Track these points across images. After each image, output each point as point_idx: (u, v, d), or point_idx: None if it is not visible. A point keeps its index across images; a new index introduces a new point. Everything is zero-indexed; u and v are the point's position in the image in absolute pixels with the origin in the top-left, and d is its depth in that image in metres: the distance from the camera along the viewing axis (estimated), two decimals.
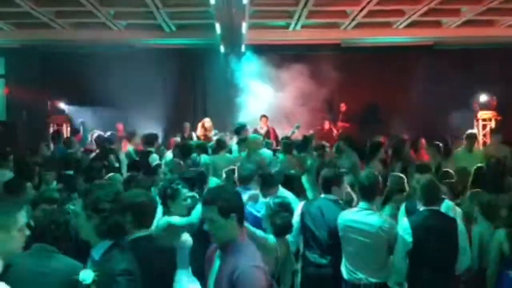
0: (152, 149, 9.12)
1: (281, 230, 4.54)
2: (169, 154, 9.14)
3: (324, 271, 4.86)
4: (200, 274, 3.77)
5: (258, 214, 4.82)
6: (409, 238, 4.56)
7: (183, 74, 14.14)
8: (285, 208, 4.62)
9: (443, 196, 5.32)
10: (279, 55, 13.55)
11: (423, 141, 9.63)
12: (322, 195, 5.17)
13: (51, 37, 13.58)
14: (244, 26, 11.65)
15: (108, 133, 11.48)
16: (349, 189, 5.73)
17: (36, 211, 4.39)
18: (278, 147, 9.60)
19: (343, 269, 4.72)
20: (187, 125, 12.35)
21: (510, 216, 4.89)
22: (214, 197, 3.19)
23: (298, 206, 5.13)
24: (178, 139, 11.48)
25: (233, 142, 10.09)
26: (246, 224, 4.28)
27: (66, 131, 13.42)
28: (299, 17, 12.56)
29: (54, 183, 7.15)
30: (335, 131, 12.76)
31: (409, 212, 5.19)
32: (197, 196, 5.59)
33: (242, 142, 9.12)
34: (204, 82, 14.45)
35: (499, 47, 14.05)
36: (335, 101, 13.95)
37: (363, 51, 14.25)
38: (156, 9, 11.71)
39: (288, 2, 11.79)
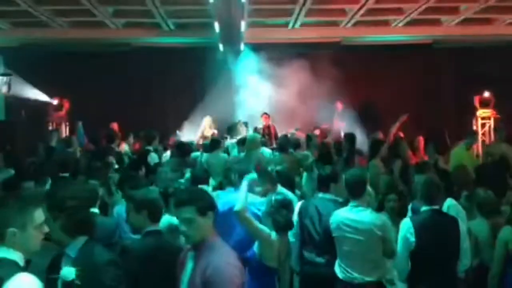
0: (150, 147, 9.11)
1: (282, 227, 4.52)
2: (167, 153, 9.16)
3: (321, 270, 4.85)
4: None
5: (259, 213, 4.81)
6: (412, 238, 4.52)
7: (182, 73, 14.12)
8: (286, 206, 4.60)
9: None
10: (278, 54, 13.53)
11: (421, 140, 9.61)
12: (320, 194, 5.18)
13: (50, 36, 13.58)
14: (243, 24, 11.65)
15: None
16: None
17: None
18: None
19: (337, 269, 4.69)
20: (187, 124, 12.36)
21: None
22: (192, 196, 3.22)
23: (296, 205, 5.11)
24: (178, 138, 11.50)
25: (228, 141, 10.06)
26: (252, 219, 4.34)
27: (65, 130, 13.42)
28: (298, 15, 12.55)
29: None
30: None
31: (415, 212, 5.17)
32: None
33: (241, 143, 9.10)
34: (203, 81, 14.41)
35: (498, 45, 14.03)
36: (334, 99, 13.93)
37: (362, 50, 14.24)
38: (155, 8, 11.71)
39: (287, 0, 11.78)
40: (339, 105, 13.35)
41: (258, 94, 12.80)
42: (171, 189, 4.66)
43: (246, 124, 11.08)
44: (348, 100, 13.49)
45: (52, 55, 13.61)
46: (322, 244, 4.89)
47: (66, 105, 13.56)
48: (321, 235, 4.90)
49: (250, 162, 5.94)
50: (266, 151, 8.83)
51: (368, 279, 4.55)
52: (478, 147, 12.89)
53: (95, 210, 4.92)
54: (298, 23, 13.33)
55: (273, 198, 4.66)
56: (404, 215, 5.23)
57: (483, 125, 13.48)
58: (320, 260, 4.90)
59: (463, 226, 4.75)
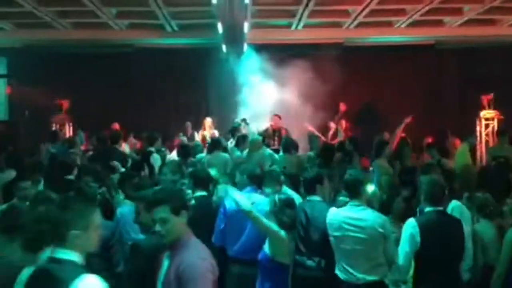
0: (152, 149, 9.12)
1: (288, 226, 4.59)
2: (173, 154, 9.17)
3: (312, 273, 4.86)
4: None
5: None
6: (417, 238, 4.51)
7: (185, 74, 14.13)
8: (290, 205, 4.69)
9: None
10: (281, 55, 13.53)
11: (428, 141, 9.63)
12: (307, 197, 5.22)
13: (53, 37, 13.61)
14: (246, 25, 11.65)
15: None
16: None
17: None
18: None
19: (338, 271, 4.68)
20: (189, 124, 12.36)
21: None
22: (166, 196, 3.28)
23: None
24: (184, 138, 11.50)
25: (229, 142, 10.05)
26: (260, 217, 4.38)
27: (68, 130, 13.44)
28: (301, 16, 12.56)
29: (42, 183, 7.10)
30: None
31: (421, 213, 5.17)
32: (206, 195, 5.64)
33: (241, 140, 9.09)
34: (206, 81, 14.45)
35: (501, 46, 14.02)
36: (337, 100, 13.94)
37: (365, 51, 14.24)
38: (158, 9, 11.72)
39: (290, 1, 11.79)
40: (343, 106, 13.34)
41: (261, 94, 12.79)
42: None
43: (245, 120, 11.02)
44: (351, 101, 13.49)
45: (56, 56, 13.64)
46: (313, 247, 4.90)
47: (65, 105, 13.56)
48: (311, 238, 4.91)
49: (255, 163, 5.96)
50: (268, 152, 8.86)
51: (370, 278, 4.55)
52: (482, 148, 12.90)
53: None
54: (301, 24, 13.34)
55: (276, 198, 4.69)
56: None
57: (486, 126, 13.45)
58: (311, 263, 4.90)
59: (466, 227, 4.76)
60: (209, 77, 14.22)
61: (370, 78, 13.69)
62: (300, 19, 12.86)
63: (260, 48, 13.58)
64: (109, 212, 5.51)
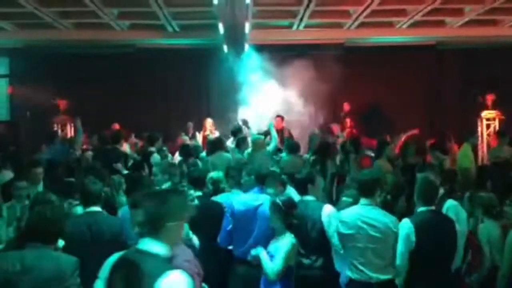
0: (153, 148, 9.13)
1: (296, 225, 4.69)
2: (177, 155, 9.20)
3: (312, 272, 4.91)
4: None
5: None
6: (413, 237, 4.59)
7: (186, 74, 14.15)
8: (293, 205, 4.76)
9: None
10: (282, 55, 13.54)
11: (431, 142, 9.65)
12: (299, 197, 5.27)
13: (54, 38, 13.62)
14: (247, 26, 11.65)
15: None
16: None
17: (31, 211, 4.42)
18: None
19: (349, 270, 4.68)
20: (191, 125, 12.37)
21: None
22: (141, 200, 3.18)
23: None
24: (186, 138, 11.51)
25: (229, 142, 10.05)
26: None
27: (70, 131, 13.45)
28: (302, 17, 12.56)
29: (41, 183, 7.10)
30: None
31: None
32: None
33: (241, 141, 9.11)
34: (208, 82, 14.46)
35: (502, 46, 14.02)
36: (338, 101, 13.95)
37: (366, 51, 14.25)
38: (160, 10, 11.73)
39: (291, 2, 11.79)
40: (346, 106, 13.33)
41: (262, 95, 12.79)
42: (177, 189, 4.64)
43: (246, 123, 11.03)
44: (352, 101, 13.50)
45: (57, 57, 13.66)
46: (310, 247, 4.95)
47: (62, 105, 13.56)
48: (307, 237, 4.94)
49: (261, 163, 5.98)
50: (268, 151, 8.88)
51: (383, 277, 4.56)
52: (483, 148, 12.90)
53: (98, 208, 4.91)
54: (302, 24, 13.34)
55: (278, 201, 4.71)
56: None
57: (487, 126, 13.45)
58: (308, 262, 4.96)
59: (462, 227, 4.89)
60: (210, 77, 14.23)
61: (371, 78, 13.67)
62: (301, 20, 12.87)
63: (261, 48, 13.58)
64: (113, 212, 5.54)
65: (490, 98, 13.32)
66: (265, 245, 4.71)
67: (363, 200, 4.73)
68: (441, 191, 5.45)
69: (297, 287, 4.73)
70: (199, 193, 5.68)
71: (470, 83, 13.77)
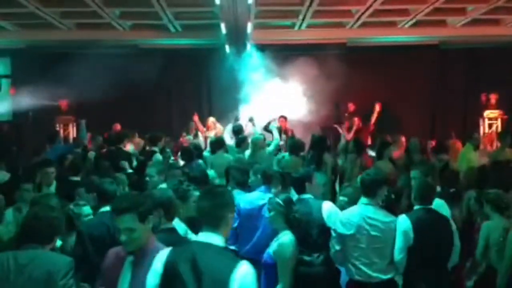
0: (156, 148, 9.12)
1: (297, 222, 4.69)
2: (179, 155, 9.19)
3: (313, 270, 4.87)
4: None
5: None
6: (411, 233, 4.68)
7: (188, 74, 14.16)
8: (292, 202, 4.77)
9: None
10: (285, 55, 13.54)
11: (432, 143, 9.64)
12: (296, 196, 5.27)
13: (56, 38, 13.63)
14: (250, 26, 11.65)
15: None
16: None
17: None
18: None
19: (349, 270, 4.69)
20: (193, 125, 12.36)
21: None
22: (132, 203, 3.14)
23: None
24: (190, 137, 11.49)
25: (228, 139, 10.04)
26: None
27: (72, 131, 13.46)
28: (304, 16, 12.54)
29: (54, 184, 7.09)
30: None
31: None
32: None
33: (241, 141, 9.11)
34: (210, 82, 14.46)
35: (505, 46, 13.98)
36: (341, 100, 13.93)
37: (369, 51, 14.23)
38: (162, 10, 11.72)
39: (293, 1, 11.76)
40: (352, 106, 13.30)
41: (264, 94, 12.78)
42: (179, 192, 4.58)
43: (252, 120, 10.99)
44: (354, 101, 13.47)
45: (59, 57, 13.65)
46: (311, 245, 4.94)
47: (63, 105, 13.56)
48: (307, 235, 4.94)
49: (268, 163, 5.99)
50: (268, 151, 8.89)
51: (385, 277, 4.59)
52: (486, 148, 12.86)
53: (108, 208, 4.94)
54: (304, 24, 13.32)
55: (280, 200, 4.71)
56: None
57: (490, 125, 13.42)
58: (309, 258, 4.92)
59: (453, 224, 4.94)
60: (212, 77, 14.23)
61: (373, 78, 13.64)
62: (303, 19, 12.85)
63: (263, 48, 13.59)
64: None
65: (493, 98, 13.29)
66: (270, 245, 4.70)
67: (363, 200, 4.75)
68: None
69: (298, 284, 4.72)
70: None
71: (473, 83, 13.74)
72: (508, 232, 4.93)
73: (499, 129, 13.08)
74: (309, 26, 13.59)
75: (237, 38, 12.55)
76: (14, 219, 5.63)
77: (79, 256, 4.16)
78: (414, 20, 12.94)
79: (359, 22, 13.03)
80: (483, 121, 13.43)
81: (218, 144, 8.85)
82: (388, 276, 4.61)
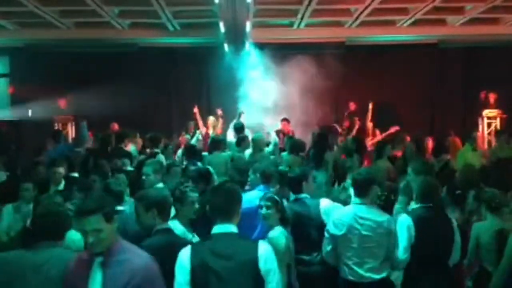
0: (158, 150, 9.10)
1: (287, 219, 4.73)
2: (179, 153, 9.19)
3: (312, 269, 4.93)
4: None
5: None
6: (412, 232, 4.71)
7: (187, 73, 14.16)
8: (279, 200, 4.77)
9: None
10: (283, 54, 13.54)
11: (429, 141, 9.65)
12: (293, 196, 5.30)
13: (55, 36, 13.61)
14: (248, 24, 11.65)
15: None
16: None
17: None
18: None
19: (344, 271, 4.67)
20: (191, 124, 12.34)
21: None
22: (97, 205, 3.14)
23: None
24: (188, 136, 11.49)
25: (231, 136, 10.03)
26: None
27: (71, 130, 13.45)
28: (303, 15, 12.54)
29: (62, 183, 7.12)
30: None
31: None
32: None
33: (242, 140, 9.10)
34: (209, 80, 14.46)
35: (503, 45, 13.99)
36: (340, 99, 13.93)
37: (368, 50, 14.23)
38: (160, 8, 11.72)
39: (292, 0, 11.76)
40: (352, 106, 13.29)
41: (263, 93, 12.79)
42: (177, 193, 4.55)
43: (239, 129, 11.01)
44: (353, 100, 13.47)
45: (58, 56, 13.65)
46: (310, 244, 4.98)
47: (62, 104, 13.55)
48: (307, 234, 4.99)
49: (268, 162, 6.00)
50: (268, 150, 8.90)
51: (377, 277, 4.56)
52: (484, 147, 12.87)
53: (121, 207, 5.02)
54: (303, 23, 13.33)
55: (274, 197, 4.75)
56: None
57: (489, 124, 13.42)
58: (307, 258, 4.99)
59: (454, 222, 4.95)
60: (211, 76, 14.23)
61: (372, 77, 13.67)
62: (302, 18, 12.85)
63: (262, 47, 13.59)
64: None
65: (491, 97, 13.29)
66: None
67: (356, 199, 4.72)
68: None
69: (303, 284, 4.76)
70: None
71: (472, 82, 13.75)
72: (501, 233, 4.94)
73: (498, 128, 13.10)
74: (307, 25, 13.59)
75: (236, 36, 12.56)
76: (13, 218, 5.64)
77: None
78: (413, 19, 12.95)
79: (358, 21, 13.03)
80: (482, 120, 13.43)
81: (216, 144, 8.86)
82: (381, 275, 4.58)
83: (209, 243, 3.35)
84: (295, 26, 13.63)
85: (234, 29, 11.79)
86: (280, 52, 13.56)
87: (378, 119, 12.73)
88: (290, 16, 12.95)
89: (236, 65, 13.34)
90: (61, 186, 7.00)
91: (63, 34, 13.56)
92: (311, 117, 12.69)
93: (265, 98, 12.59)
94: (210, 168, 6.66)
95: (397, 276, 4.87)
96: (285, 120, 11.76)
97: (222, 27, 11.73)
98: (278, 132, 11.30)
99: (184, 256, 3.28)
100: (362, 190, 4.70)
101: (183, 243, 3.92)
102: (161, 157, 8.66)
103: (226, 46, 13.49)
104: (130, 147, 9.73)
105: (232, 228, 3.40)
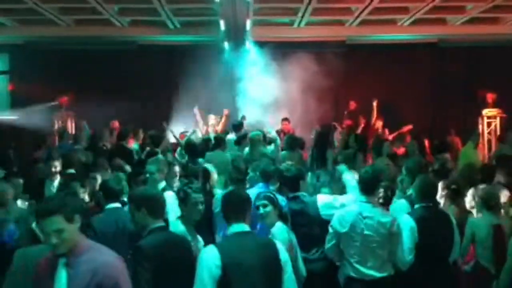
0: (158, 149, 9.09)
1: (285, 215, 4.73)
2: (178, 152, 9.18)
3: (314, 266, 4.93)
4: None
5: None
6: (415, 233, 4.70)
7: (187, 71, 14.11)
8: (273, 197, 4.77)
9: None
10: (284, 52, 13.50)
11: (426, 142, 9.66)
12: (290, 194, 5.30)
13: (55, 34, 13.57)
14: (248, 23, 11.64)
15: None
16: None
17: None
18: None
19: (346, 267, 4.69)
20: (192, 122, 12.33)
21: None
22: (58, 205, 3.06)
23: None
24: (187, 133, 11.46)
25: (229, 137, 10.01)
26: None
27: (71, 127, 13.43)
28: (304, 14, 12.52)
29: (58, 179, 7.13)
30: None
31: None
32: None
33: (242, 138, 9.08)
34: (208, 79, 14.40)
35: (504, 44, 13.98)
36: (340, 98, 13.91)
37: (368, 48, 14.21)
38: (160, 6, 11.70)
39: None
40: (352, 105, 13.24)
41: (263, 92, 12.76)
42: (181, 194, 4.51)
43: (237, 126, 10.97)
44: (353, 98, 13.44)
45: (57, 53, 13.63)
46: (310, 241, 5.00)
47: (64, 102, 13.53)
48: (308, 232, 5.01)
49: (268, 161, 6.00)
50: (269, 149, 8.86)
51: (379, 275, 4.58)
52: (485, 146, 12.87)
53: (118, 205, 5.07)
54: (304, 22, 13.30)
55: (271, 195, 4.74)
56: None
57: (488, 124, 13.42)
58: (311, 256, 5.01)
59: (454, 219, 4.98)
60: (211, 74, 14.17)
61: (372, 76, 13.65)
62: (302, 17, 12.83)
63: (262, 45, 13.55)
64: None
65: (491, 96, 13.28)
66: None
67: (362, 198, 4.72)
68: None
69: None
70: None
71: (472, 81, 13.73)
72: (497, 229, 4.96)
73: (498, 128, 13.11)
74: (308, 24, 13.56)
75: (236, 35, 12.55)
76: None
77: None
78: (413, 18, 12.94)
79: (359, 20, 13.01)
80: (482, 119, 13.42)
81: (217, 142, 8.85)
82: (383, 274, 4.60)
83: (233, 241, 3.63)
84: (295, 25, 13.61)
85: (234, 27, 11.78)
86: (280, 51, 13.52)
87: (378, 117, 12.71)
88: (291, 15, 12.93)
89: (236, 64, 13.33)
90: (56, 182, 7.01)
91: (62, 32, 13.53)
92: (312, 116, 12.66)
93: (265, 97, 12.56)
94: (209, 166, 6.64)
95: None
96: (285, 120, 11.79)
97: (222, 25, 11.72)
98: (279, 132, 11.30)
99: (211, 254, 3.47)
100: (369, 188, 4.72)
101: (180, 240, 3.91)
102: (161, 157, 8.65)
103: (226, 44, 13.48)
104: (133, 144, 9.73)
105: (247, 227, 3.68)
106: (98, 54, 13.64)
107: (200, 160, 8.17)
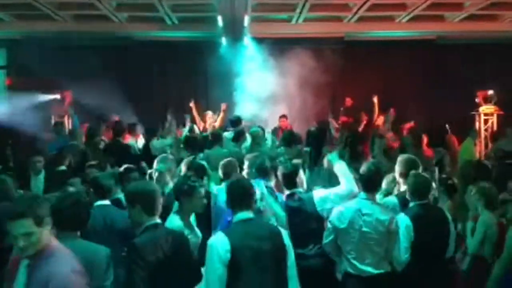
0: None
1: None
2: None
3: (311, 262, 4.95)
4: None
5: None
6: (411, 232, 4.71)
7: (185, 67, 14.11)
8: (263, 191, 4.85)
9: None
10: (282, 48, 13.48)
11: (425, 137, 9.66)
12: (287, 191, 5.31)
13: (53, 29, 13.53)
14: (246, 19, 11.62)
15: None
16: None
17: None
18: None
19: (344, 265, 4.72)
20: (188, 117, 12.32)
21: None
22: (26, 209, 3.00)
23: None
24: (185, 129, 11.46)
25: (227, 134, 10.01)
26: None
27: (67, 123, 13.40)
28: (302, 10, 12.51)
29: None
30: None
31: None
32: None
33: (240, 134, 9.07)
34: (206, 75, 14.42)
35: (502, 41, 14.00)
36: (337, 95, 13.92)
37: (366, 45, 14.21)
38: (158, 2, 11.68)
39: None
40: (348, 101, 13.24)
41: (261, 88, 12.76)
42: (185, 187, 4.49)
43: (235, 122, 10.96)
44: (351, 95, 13.45)
45: (55, 48, 13.57)
46: (307, 238, 5.02)
47: (68, 98, 13.50)
48: (305, 229, 5.02)
49: (266, 157, 5.99)
50: (268, 145, 8.88)
51: (376, 271, 4.60)
52: (482, 144, 12.90)
53: (108, 202, 5.03)
54: (302, 18, 13.29)
55: (267, 188, 4.77)
56: None
57: (486, 121, 13.44)
58: (308, 252, 5.02)
59: (449, 216, 5.01)
60: (209, 70, 14.18)
61: (370, 72, 13.64)
62: (300, 13, 12.82)
63: (260, 41, 13.54)
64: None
65: (489, 93, 13.30)
66: None
67: (362, 194, 4.74)
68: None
69: (300, 278, 4.77)
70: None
71: (470, 78, 13.74)
72: (503, 225, 4.97)
73: (495, 125, 13.13)
74: (306, 20, 13.55)
75: (234, 31, 12.53)
76: None
77: None
78: (411, 15, 12.93)
79: (357, 16, 13.01)
80: (479, 116, 13.44)
81: (214, 139, 8.84)
82: (380, 271, 4.62)
83: (239, 227, 3.79)
84: (293, 21, 13.59)
85: (232, 23, 11.76)
86: (278, 47, 13.51)
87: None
88: (289, 11, 12.91)
89: (233, 59, 13.30)
90: (41, 175, 7.03)
91: (60, 27, 13.48)
92: (309, 112, 12.68)
93: (263, 92, 12.55)
94: (204, 163, 6.63)
95: None
96: (283, 116, 11.81)
97: (220, 21, 11.69)
98: (277, 129, 11.31)
99: (220, 239, 3.66)
100: (372, 185, 4.75)
101: (176, 236, 3.90)
102: (170, 156, 8.64)
103: (224, 40, 13.45)
104: (129, 140, 9.72)
105: (252, 214, 3.87)
106: (96, 49, 13.59)
107: (200, 155, 8.17)
